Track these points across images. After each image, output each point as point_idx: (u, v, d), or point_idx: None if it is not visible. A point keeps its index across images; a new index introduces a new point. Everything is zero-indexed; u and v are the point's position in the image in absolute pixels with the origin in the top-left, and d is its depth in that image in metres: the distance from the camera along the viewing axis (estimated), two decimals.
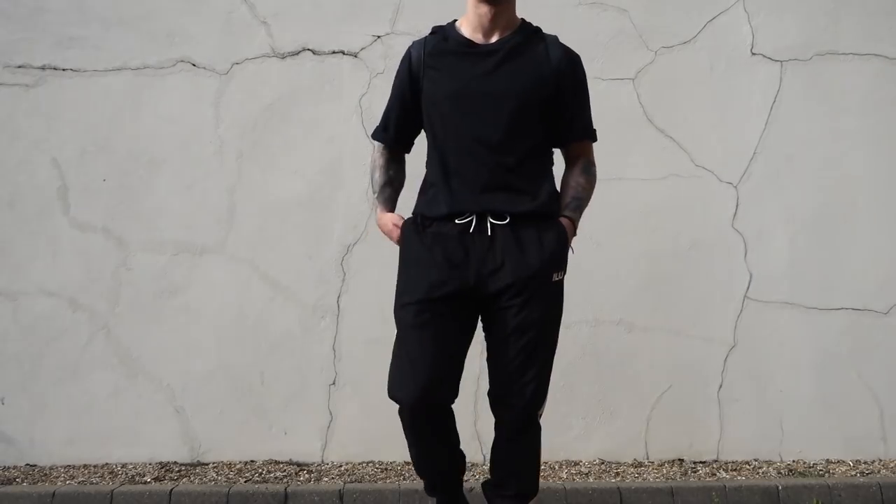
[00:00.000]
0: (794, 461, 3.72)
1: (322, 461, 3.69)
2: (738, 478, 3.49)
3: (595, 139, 2.46)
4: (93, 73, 3.80)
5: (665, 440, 3.73)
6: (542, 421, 2.38)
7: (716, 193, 3.84)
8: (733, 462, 3.70)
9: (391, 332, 2.35)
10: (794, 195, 3.84)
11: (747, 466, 3.65)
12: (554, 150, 2.45)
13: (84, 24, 3.81)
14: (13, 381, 3.68)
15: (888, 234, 3.83)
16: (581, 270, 3.64)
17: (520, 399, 2.27)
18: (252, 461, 3.66)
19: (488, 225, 2.25)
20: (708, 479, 3.48)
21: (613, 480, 3.45)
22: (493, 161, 2.27)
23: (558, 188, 2.41)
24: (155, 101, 3.80)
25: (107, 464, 3.64)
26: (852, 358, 3.79)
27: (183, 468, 3.59)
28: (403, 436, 2.34)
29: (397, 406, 2.28)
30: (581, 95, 2.40)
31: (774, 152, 3.86)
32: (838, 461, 3.72)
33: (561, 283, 2.33)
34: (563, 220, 2.33)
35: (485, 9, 2.30)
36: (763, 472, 3.56)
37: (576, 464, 3.66)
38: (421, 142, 2.49)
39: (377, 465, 3.63)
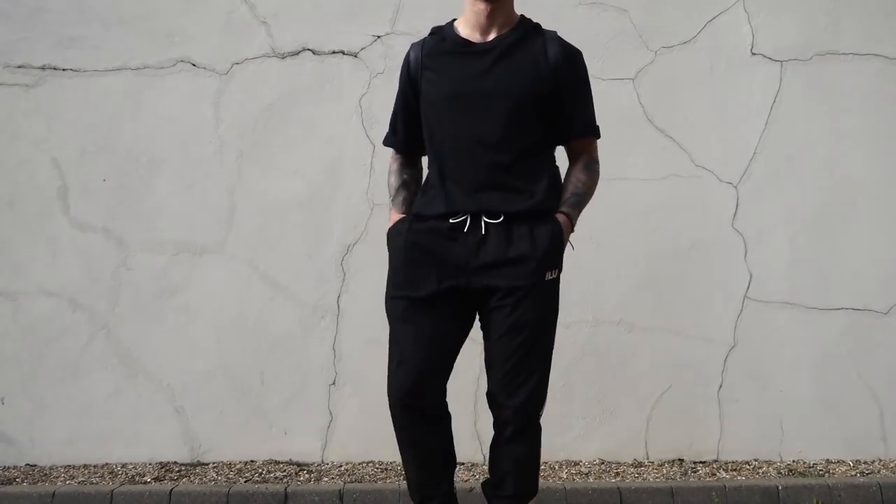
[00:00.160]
0: (794, 461, 3.72)
1: (322, 461, 3.69)
2: (738, 478, 3.49)
3: (598, 135, 2.43)
4: (93, 73, 3.80)
5: (665, 440, 3.73)
6: (542, 421, 2.37)
7: (716, 193, 3.84)
8: (733, 462, 3.70)
9: (387, 326, 2.34)
10: (794, 195, 3.84)
11: (747, 466, 3.65)
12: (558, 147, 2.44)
13: (84, 24, 3.81)
14: (13, 381, 3.68)
15: (888, 234, 3.83)
16: (581, 270, 3.65)
17: (516, 400, 2.26)
18: (252, 461, 3.66)
19: (482, 224, 2.24)
20: (708, 479, 3.48)
21: (613, 480, 3.45)
22: (489, 160, 2.26)
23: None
24: (155, 101, 3.80)
25: (107, 464, 3.64)
26: (852, 358, 3.79)
27: (183, 468, 3.59)
28: None
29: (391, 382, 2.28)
30: (581, 91, 2.37)
31: (774, 152, 3.86)
32: (838, 461, 3.72)
33: (555, 282, 2.29)
34: (560, 217, 2.30)
35: (481, 6, 2.29)
36: (763, 472, 3.56)
37: (576, 464, 3.66)
38: None
39: (377, 465, 3.63)
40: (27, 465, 3.64)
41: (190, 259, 3.75)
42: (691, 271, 3.80)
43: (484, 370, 2.35)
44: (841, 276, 3.81)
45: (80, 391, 3.68)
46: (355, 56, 3.85)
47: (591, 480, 3.45)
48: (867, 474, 3.54)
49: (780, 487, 3.32)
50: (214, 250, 3.76)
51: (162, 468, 3.58)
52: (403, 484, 3.31)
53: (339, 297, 3.75)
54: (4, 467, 3.61)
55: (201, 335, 3.72)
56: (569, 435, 3.71)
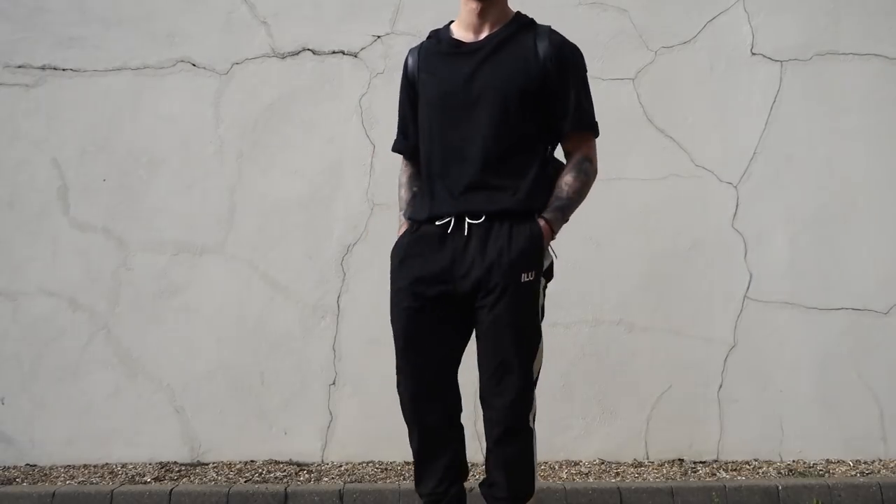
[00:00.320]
0: (794, 461, 3.72)
1: (322, 461, 3.68)
2: (738, 478, 3.49)
3: (594, 131, 2.37)
4: (93, 73, 3.80)
5: (665, 440, 3.73)
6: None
7: (716, 193, 3.84)
8: (733, 462, 3.70)
9: (391, 332, 2.34)
10: (794, 195, 3.84)
11: (747, 466, 3.65)
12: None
13: (84, 24, 3.81)
14: (13, 381, 3.68)
15: (888, 234, 3.83)
16: (581, 270, 3.66)
17: (501, 400, 2.25)
18: (252, 461, 3.66)
19: (465, 225, 2.23)
20: (708, 479, 3.48)
21: (613, 480, 3.44)
22: (475, 159, 2.25)
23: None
24: (155, 101, 3.80)
25: (107, 464, 3.64)
26: (852, 358, 3.78)
27: (183, 468, 3.59)
28: (404, 436, 2.36)
29: (398, 396, 2.31)
30: (575, 85, 2.32)
31: (774, 152, 3.86)
32: (838, 461, 3.72)
33: (533, 284, 2.23)
34: (540, 221, 2.25)
35: (473, 4, 2.30)
36: (763, 472, 3.56)
37: (576, 464, 3.66)
38: None
39: (377, 465, 3.63)
40: (27, 465, 3.64)
41: (190, 259, 3.75)
42: (691, 271, 3.80)
43: None
44: (841, 276, 3.81)
45: (80, 391, 3.68)
46: (355, 56, 3.85)
47: (591, 480, 3.45)
48: (867, 474, 3.54)
49: (780, 487, 3.32)
50: (214, 250, 3.76)
51: (162, 468, 3.58)
52: (403, 484, 3.32)
53: (339, 297, 3.75)
54: (4, 467, 3.61)
55: (201, 335, 3.72)
56: (569, 435, 3.71)
